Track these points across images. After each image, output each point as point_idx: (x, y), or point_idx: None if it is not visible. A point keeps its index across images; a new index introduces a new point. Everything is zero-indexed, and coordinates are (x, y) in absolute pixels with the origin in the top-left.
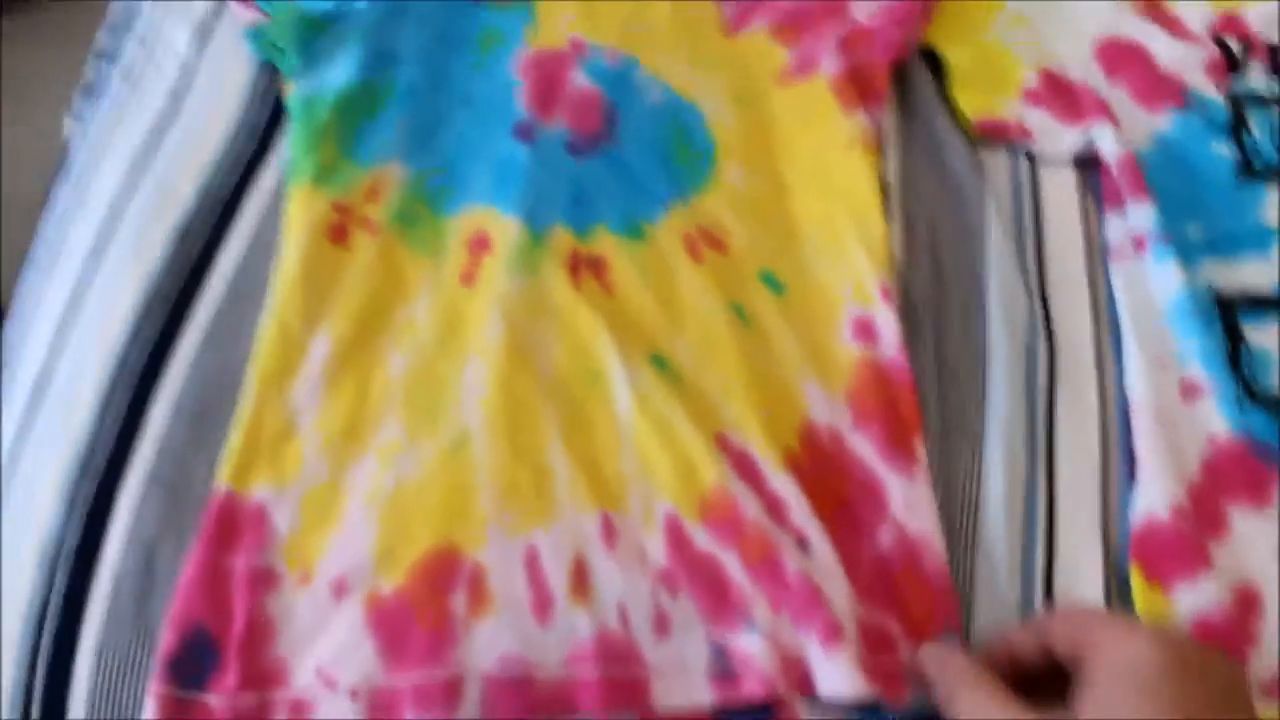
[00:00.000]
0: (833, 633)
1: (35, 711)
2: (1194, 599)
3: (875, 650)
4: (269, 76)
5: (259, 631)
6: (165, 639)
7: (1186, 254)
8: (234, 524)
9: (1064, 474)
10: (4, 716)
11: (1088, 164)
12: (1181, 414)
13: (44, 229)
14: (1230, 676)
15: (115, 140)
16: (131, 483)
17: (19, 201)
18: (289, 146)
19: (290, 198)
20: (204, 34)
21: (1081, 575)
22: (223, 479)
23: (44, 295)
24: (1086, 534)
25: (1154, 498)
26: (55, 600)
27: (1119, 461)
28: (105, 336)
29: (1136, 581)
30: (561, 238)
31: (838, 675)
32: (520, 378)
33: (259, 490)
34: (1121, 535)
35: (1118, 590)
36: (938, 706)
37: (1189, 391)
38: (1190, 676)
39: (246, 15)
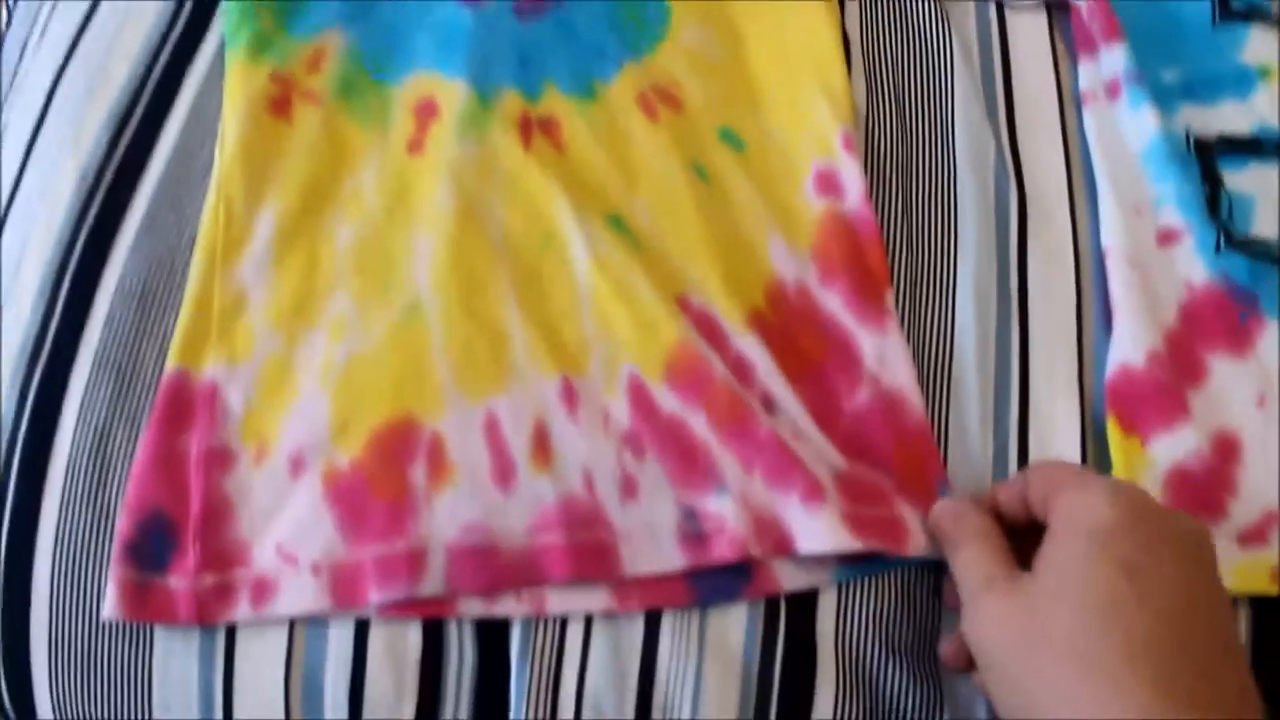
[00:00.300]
0: (813, 490)
1: None
2: (1171, 449)
3: (867, 503)
4: None
5: (217, 512)
6: (122, 524)
7: (1163, 99)
8: (186, 404)
9: (1037, 325)
10: None
11: (1058, 8)
12: (1158, 260)
13: None
14: (1191, 536)
15: (44, 30)
16: (80, 370)
17: None
18: (225, 20)
19: (228, 71)
20: None
21: (1057, 427)
22: (173, 359)
23: None
24: (1061, 386)
25: (1129, 346)
26: (10, 491)
27: (1095, 311)
28: (46, 225)
29: (1113, 433)
30: (511, 100)
31: (821, 531)
32: (472, 243)
33: (210, 368)
34: (1098, 386)
35: (1094, 442)
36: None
37: (1166, 237)
38: (1148, 532)
39: None
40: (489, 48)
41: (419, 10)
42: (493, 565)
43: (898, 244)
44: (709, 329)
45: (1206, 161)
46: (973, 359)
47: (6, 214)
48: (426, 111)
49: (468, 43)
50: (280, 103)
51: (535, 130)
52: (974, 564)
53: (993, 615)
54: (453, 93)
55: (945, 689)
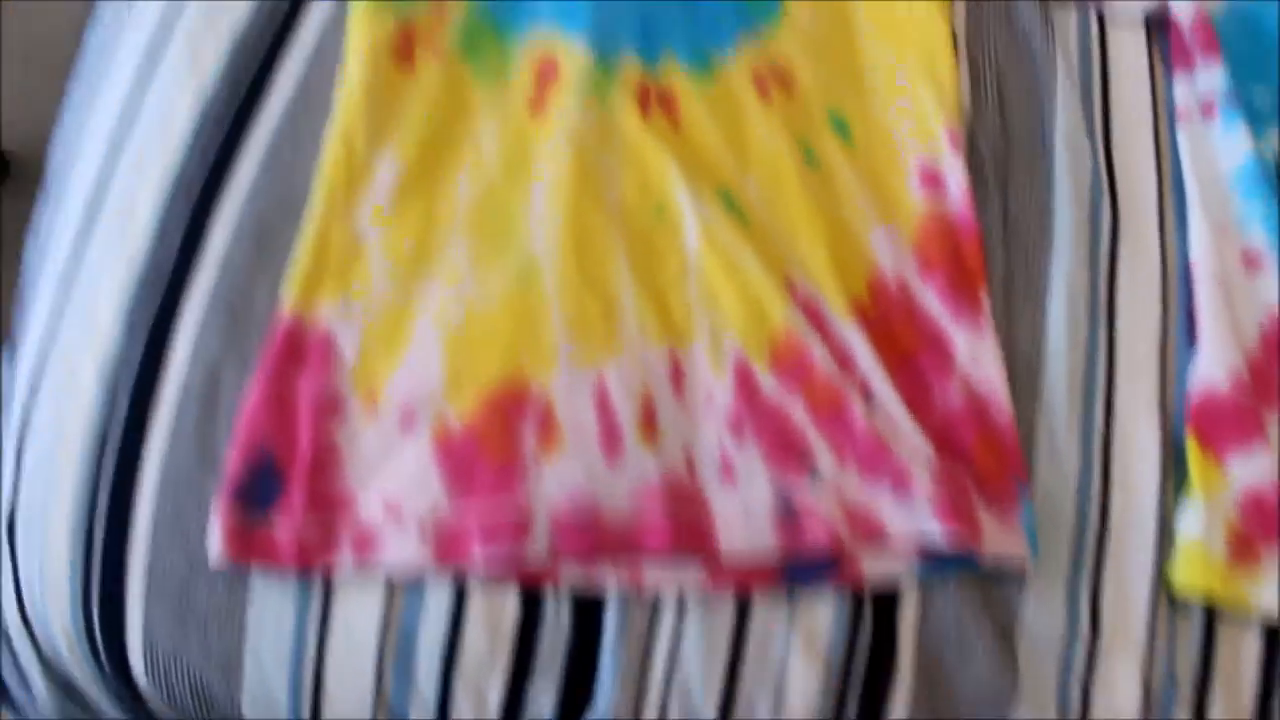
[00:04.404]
0: (903, 481)
1: (99, 532)
2: (1247, 470)
3: (954, 497)
4: None
5: (325, 459)
6: (230, 463)
7: (1254, 120)
8: (299, 347)
9: (1124, 335)
10: (67, 535)
11: (1157, 25)
12: (1242, 282)
13: (90, 40)
14: None
15: None
16: (193, 304)
17: (28, 41)
18: None
19: (352, 13)
20: None
21: (1139, 438)
22: (288, 300)
23: (94, 110)
24: (1145, 396)
25: (1214, 367)
26: (118, 421)
27: (1178, 323)
28: (162, 153)
29: (1192, 450)
30: (630, 68)
31: (909, 517)
32: (589, 208)
33: (325, 312)
34: (1178, 398)
35: (1174, 455)
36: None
37: (1251, 260)
38: None
39: None
40: (611, 11)
41: None
42: (595, 534)
43: (994, 244)
44: (814, 314)
45: None
46: (1062, 364)
47: (123, 141)
48: (547, 71)
49: (590, 4)
50: (403, 51)
51: (653, 102)
52: None
53: None
54: (574, 55)
55: (1020, 683)
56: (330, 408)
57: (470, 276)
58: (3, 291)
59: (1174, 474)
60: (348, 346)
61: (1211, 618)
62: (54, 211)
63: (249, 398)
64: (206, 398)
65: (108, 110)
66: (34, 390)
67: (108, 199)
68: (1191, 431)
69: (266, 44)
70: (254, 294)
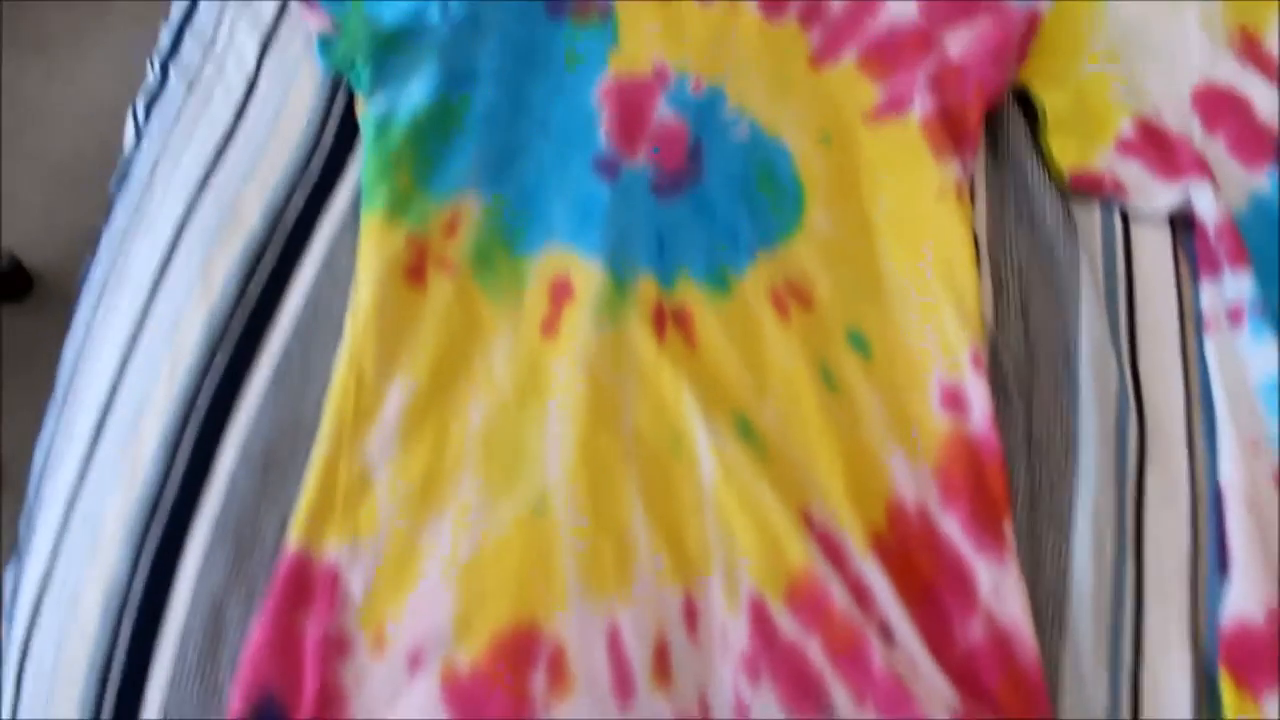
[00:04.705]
0: None
1: None
2: None
3: None
4: (339, 91)
5: (331, 701)
6: (233, 705)
7: None
8: (306, 586)
9: (1152, 562)
10: None
11: (1182, 223)
12: (1275, 502)
13: (102, 245)
14: None
15: (177, 155)
16: (199, 532)
17: (51, 158)
18: (362, 171)
19: (364, 229)
20: (270, 41)
21: (1169, 671)
22: (294, 537)
23: (104, 319)
24: (1175, 630)
25: (1247, 600)
26: (120, 650)
27: (1209, 548)
28: (170, 372)
29: (1226, 687)
30: (646, 288)
31: None
32: (602, 439)
33: (332, 549)
34: (1210, 628)
35: (1206, 690)
36: None
37: None
38: None
39: (314, 20)
40: (625, 227)
41: (555, 177)
42: None
43: (1018, 466)
44: (831, 549)
45: None
46: (1088, 598)
47: (131, 355)
48: (561, 291)
49: (605, 221)
50: (415, 270)
51: (669, 323)
52: None
53: None
54: (588, 273)
55: None
56: (337, 647)
57: (481, 509)
58: (31, 401)
59: (1207, 711)
60: (355, 584)
61: None
62: (61, 423)
63: (253, 636)
64: (210, 631)
65: (118, 321)
66: (37, 611)
67: (114, 416)
68: (1225, 667)
69: (277, 257)
70: (260, 524)
